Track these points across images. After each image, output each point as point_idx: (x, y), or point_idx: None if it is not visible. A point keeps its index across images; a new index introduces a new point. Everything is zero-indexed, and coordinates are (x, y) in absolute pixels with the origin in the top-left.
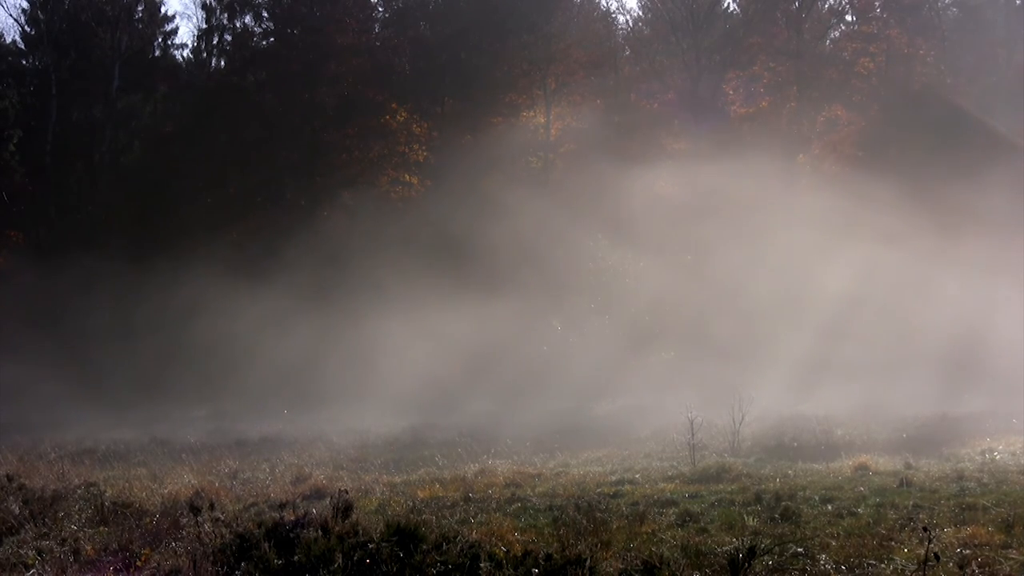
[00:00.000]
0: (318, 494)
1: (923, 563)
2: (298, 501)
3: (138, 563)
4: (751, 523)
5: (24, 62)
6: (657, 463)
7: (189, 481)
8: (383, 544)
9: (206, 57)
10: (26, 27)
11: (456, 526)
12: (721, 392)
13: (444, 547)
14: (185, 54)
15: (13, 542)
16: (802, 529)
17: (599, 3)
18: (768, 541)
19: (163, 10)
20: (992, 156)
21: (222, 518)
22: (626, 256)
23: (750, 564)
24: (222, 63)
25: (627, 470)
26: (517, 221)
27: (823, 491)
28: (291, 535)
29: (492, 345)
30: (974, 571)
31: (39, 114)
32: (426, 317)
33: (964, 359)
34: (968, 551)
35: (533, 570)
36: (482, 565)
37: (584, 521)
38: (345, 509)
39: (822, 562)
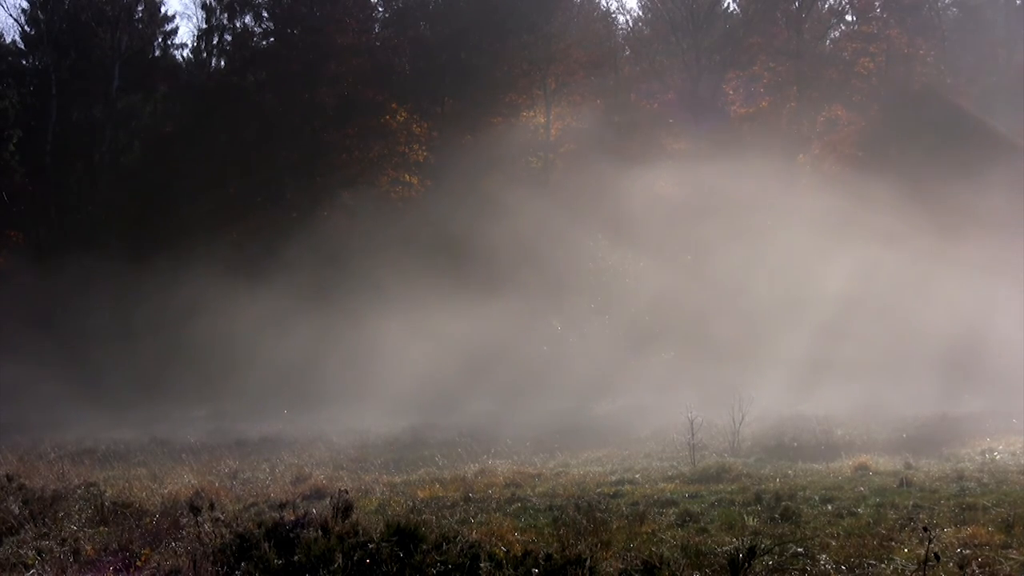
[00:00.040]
0: (318, 494)
1: (923, 563)
2: (298, 501)
3: (138, 563)
4: (751, 523)
5: (24, 62)
6: (657, 463)
7: (189, 481)
8: (383, 544)
9: (206, 57)
10: (26, 27)
11: (456, 526)
12: (721, 392)
13: (444, 547)
14: (185, 54)
15: (13, 542)
16: (802, 529)
17: (599, 3)
18: (768, 541)
19: (163, 10)
20: (992, 156)
21: (222, 518)
22: (626, 256)
23: (750, 564)
24: (222, 63)
25: (627, 470)
26: (517, 221)
27: (823, 491)
28: (291, 535)
29: (492, 345)
30: (974, 571)
31: (39, 114)
32: (426, 317)
33: (964, 359)
34: (968, 551)
35: (533, 570)
36: (482, 565)
37: (584, 521)
38: (345, 509)
39: (822, 562)
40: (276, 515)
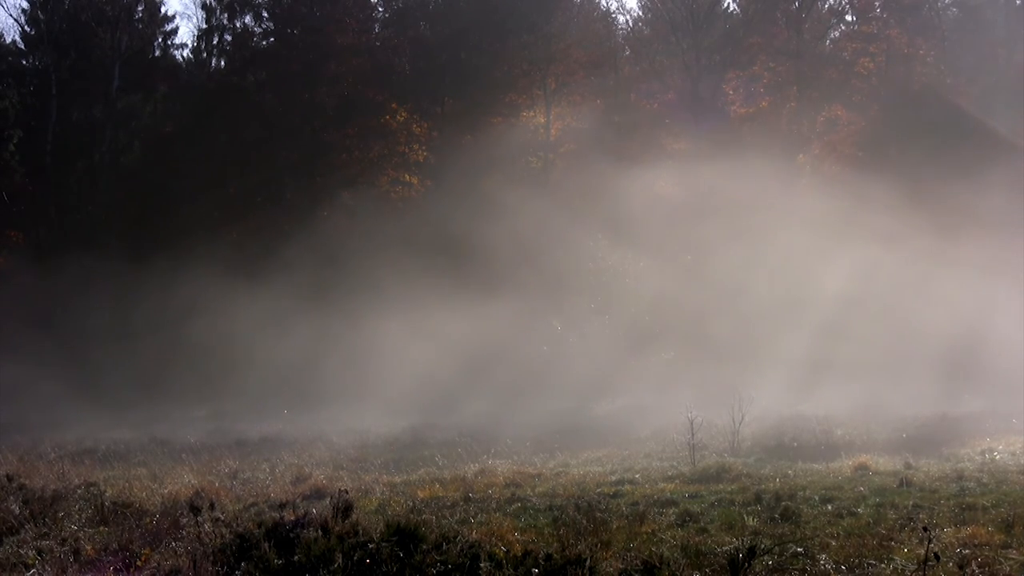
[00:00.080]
0: (318, 494)
1: (923, 563)
2: (298, 501)
3: (138, 563)
4: (751, 523)
5: (24, 62)
6: (657, 463)
7: (189, 481)
8: (383, 544)
9: (206, 57)
10: (26, 27)
11: (456, 526)
12: (721, 392)
13: (444, 547)
14: (185, 54)
15: (13, 542)
16: (802, 529)
17: (599, 3)
18: (768, 541)
19: (163, 10)
20: (992, 156)
21: (222, 518)
22: (626, 256)
23: (750, 564)
24: (222, 63)
25: (627, 470)
26: (517, 221)
27: (823, 491)
28: (291, 535)
29: (492, 345)
30: (974, 571)
31: (39, 114)
32: (426, 317)
33: (964, 359)
34: (968, 551)
35: (533, 570)
36: (482, 565)
37: (584, 521)
38: (345, 509)
39: (822, 562)
40: (276, 515)
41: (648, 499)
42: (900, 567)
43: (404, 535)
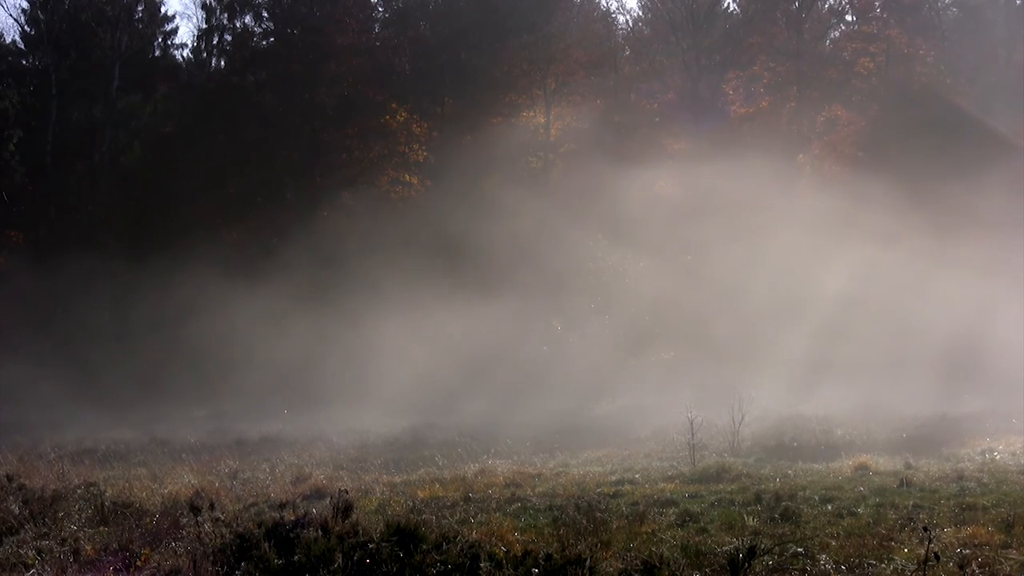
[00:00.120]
0: (318, 494)
1: (923, 563)
2: (298, 501)
3: (138, 563)
4: (751, 523)
5: (24, 62)
6: (657, 463)
7: (189, 481)
8: (383, 544)
9: (206, 57)
10: (26, 27)
11: (456, 526)
12: (721, 392)
13: (444, 547)
14: (185, 54)
15: (13, 542)
16: (802, 529)
17: (599, 3)
18: (768, 541)
19: (163, 10)
20: (992, 156)
21: (222, 518)
22: (626, 256)
23: (750, 564)
24: (222, 63)
25: (627, 470)
26: (517, 221)
27: (823, 491)
28: (291, 535)
29: (492, 345)
30: (974, 571)
31: (39, 114)
32: (426, 317)
33: (964, 359)
34: (968, 551)
35: (533, 570)
36: (482, 565)
37: (584, 521)
38: (345, 509)
39: (822, 562)
40: (276, 515)
41: (648, 499)
42: (900, 567)
43: (404, 535)
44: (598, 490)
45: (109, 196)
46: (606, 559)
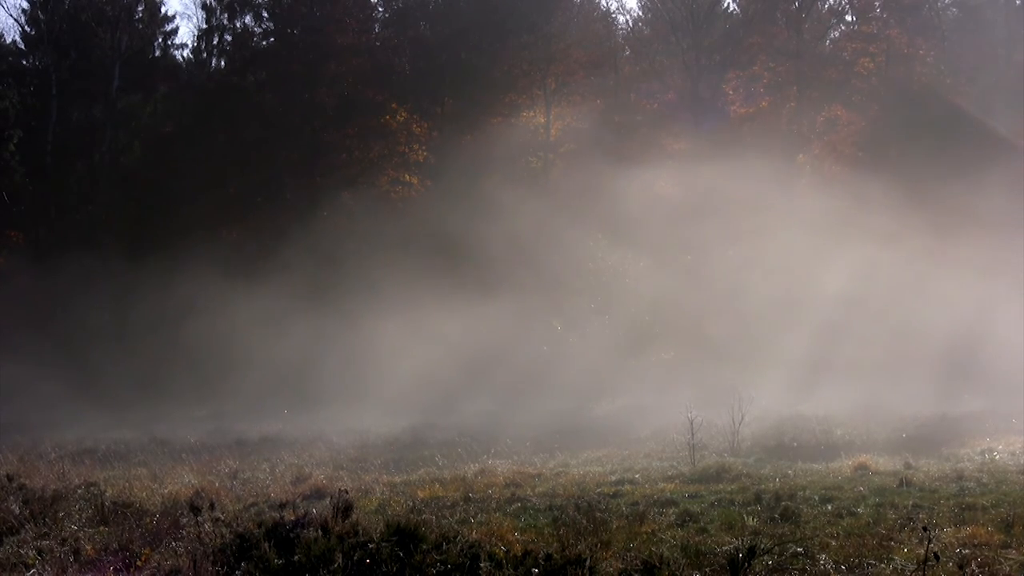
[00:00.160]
0: (318, 494)
1: (923, 563)
2: (298, 501)
3: (138, 563)
4: (751, 523)
5: (24, 62)
6: (657, 463)
7: (189, 481)
8: (383, 544)
9: (206, 57)
10: (26, 27)
11: (456, 526)
12: (721, 392)
13: (444, 547)
14: (185, 54)
15: (13, 542)
16: (802, 529)
17: (599, 3)
18: (768, 541)
19: (163, 10)
20: (992, 156)
21: (222, 518)
22: (626, 256)
23: (750, 564)
24: (222, 63)
25: (627, 470)
26: (517, 221)
27: (823, 491)
28: (291, 535)
29: (492, 345)
30: (974, 571)
31: (39, 114)
32: (426, 317)
33: (963, 359)
34: (968, 551)
35: (533, 570)
36: (482, 565)
37: (584, 521)
38: (345, 509)
39: (822, 562)
40: (276, 515)
41: (648, 499)
42: (900, 567)
43: (404, 535)
44: (598, 490)
45: (109, 196)
46: (606, 559)
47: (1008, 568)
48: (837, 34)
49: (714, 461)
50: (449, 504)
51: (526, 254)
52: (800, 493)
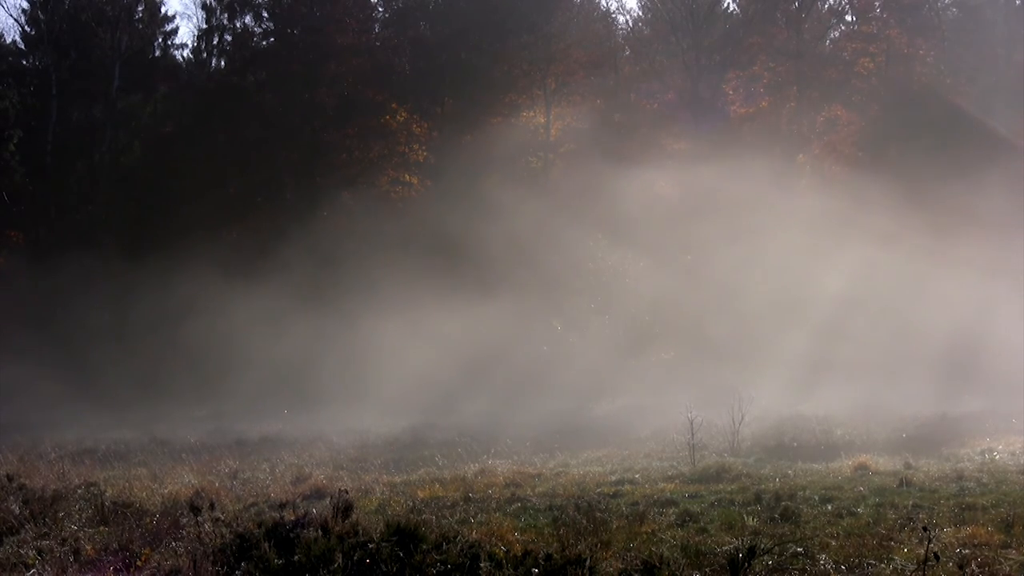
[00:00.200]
0: (318, 494)
1: (923, 563)
2: (298, 501)
3: (138, 563)
4: (751, 523)
5: (24, 62)
6: (657, 463)
7: (189, 481)
8: (383, 544)
9: (206, 57)
10: (26, 27)
11: (456, 526)
12: (721, 392)
13: (444, 547)
14: (185, 54)
15: (13, 542)
16: (802, 529)
17: (599, 3)
18: (768, 541)
19: (163, 10)
20: (992, 156)
21: (222, 518)
22: (626, 256)
23: (750, 564)
24: (222, 63)
25: (627, 470)
26: (517, 221)
27: (823, 491)
28: (291, 535)
29: (492, 345)
30: (974, 571)
31: (39, 114)
32: (427, 317)
33: (963, 359)
34: (968, 551)
35: (533, 570)
36: (482, 565)
37: (584, 521)
38: (345, 509)
39: (822, 562)
40: (276, 515)
41: (648, 499)
42: (900, 567)
43: (404, 535)
44: (598, 490)
45: (109, 196)
46: (606, 559)
47: (1008, 568)
48: (837, 34)
49: (714, 461)
50: (449, 504)
51: (526, 254)
52: (800, 493)
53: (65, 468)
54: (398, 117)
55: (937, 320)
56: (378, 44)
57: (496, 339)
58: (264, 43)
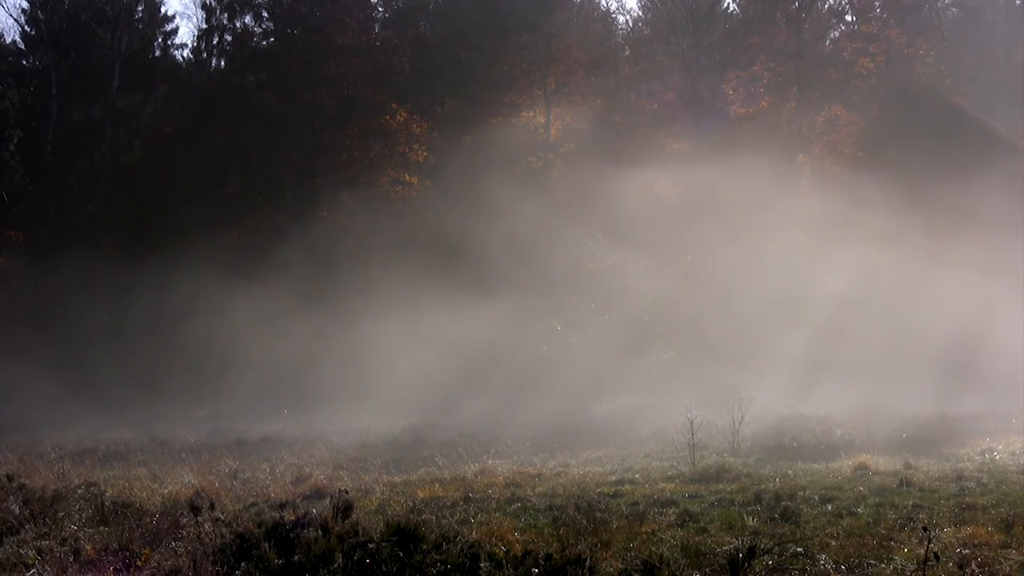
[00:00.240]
0: (318, 494)
1: (923, 563)
2: (298, 501)
3: (138, 563)
4: (751, 523)
5: (24, 62)
6: (657, 463)
7: (189, 481)
8: (383, 544)
9: (206, 57)
10: (26, 27)
11: (456, 526)
12: (721, 392)
13: (444, 547)
14: (185, 54)
15: (13, 542)
16: (802, 529)
17: (599, 3)
18: (768, 541)
19: (163, 10)
20: (992, 156)
21: (222, 518)
22: (626, 256)
23: (750, 564)
24: (222, 63)
25: (627, 470)
26: (517, 221)
27: (823, 491)
28: (291, 535)
29: (492, 345)
30: (974, 571)
31: (39, 114)
32: (427, 317)
33: (963, 359)
34: (968, 551)
35: (533, 570)
36: (482, 565)
37: (584, 521)
38: (345, 509)
39: (822, 562)
40: (276, 515)
41: (648, 499)
42: (900, 567)
43: (404, 535)
44: (598, 490)
45: (109, 196)
46: (606, 559)
47: (1008, 568)
48: (837, 34)
49: (714, 461)
50: (449, 504)
51: (526, 254)
52: (800, 493)
53: (65, 468)
54: (398, 117)
55: (937, 320)
56: (378, 44)
57: (496, 339)
58: (264, 43)
